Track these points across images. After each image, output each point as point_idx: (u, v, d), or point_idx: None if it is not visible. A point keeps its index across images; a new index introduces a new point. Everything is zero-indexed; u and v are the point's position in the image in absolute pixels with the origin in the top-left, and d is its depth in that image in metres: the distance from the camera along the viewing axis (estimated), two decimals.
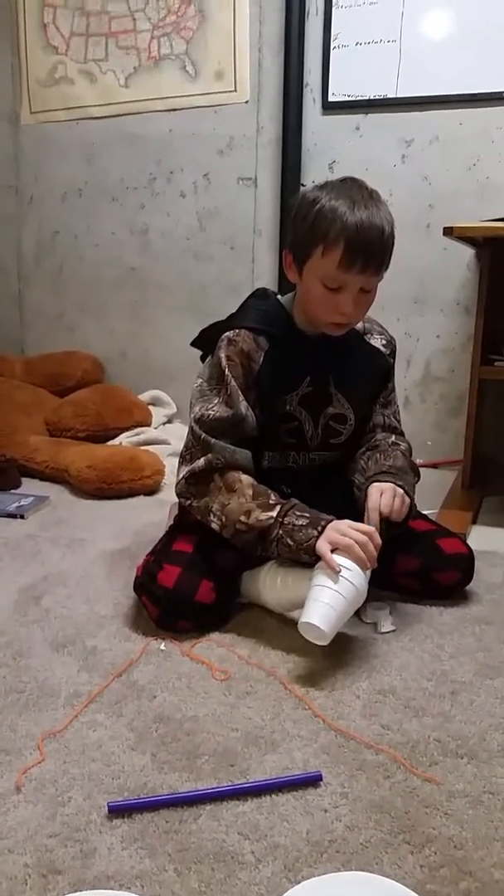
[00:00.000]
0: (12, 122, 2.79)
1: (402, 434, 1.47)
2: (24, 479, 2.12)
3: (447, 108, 2.16)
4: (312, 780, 0.90)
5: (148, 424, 2.46)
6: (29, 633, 1.25)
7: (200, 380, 1.36)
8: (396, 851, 0.80)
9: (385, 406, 1.46)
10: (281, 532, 1.21)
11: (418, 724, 1.02)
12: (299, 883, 0.74)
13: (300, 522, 1.21)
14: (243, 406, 1.29)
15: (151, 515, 1.83)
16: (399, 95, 2.20)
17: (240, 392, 1.29)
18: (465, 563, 1.38)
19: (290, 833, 0.82)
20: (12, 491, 2.03)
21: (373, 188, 1.27)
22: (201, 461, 1.29)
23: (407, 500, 1.29)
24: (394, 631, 1.27)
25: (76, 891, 0.74)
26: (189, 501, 1.31)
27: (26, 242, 2.87)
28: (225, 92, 2.44)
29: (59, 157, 2.74)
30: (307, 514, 1.22)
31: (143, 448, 2.24)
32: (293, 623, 1.29)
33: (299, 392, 1.35)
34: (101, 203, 2.71)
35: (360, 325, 1.43)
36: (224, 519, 1.25)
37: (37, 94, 2.73)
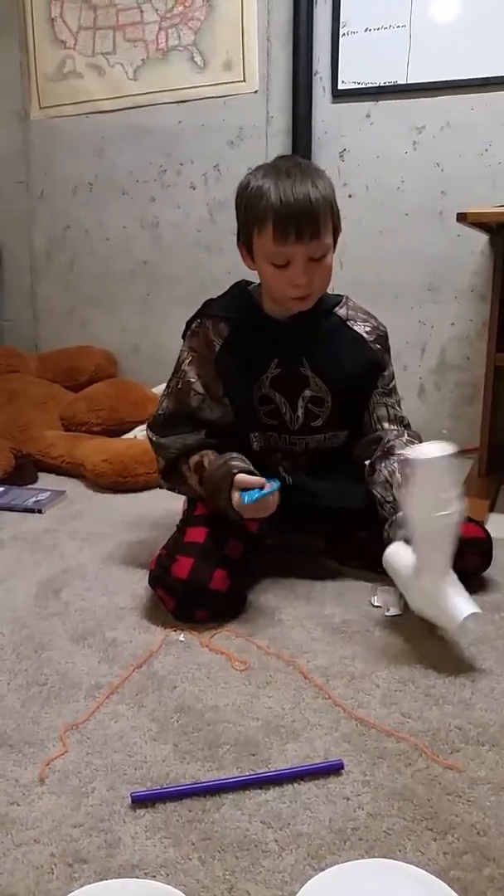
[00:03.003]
0: (22, 117, 2.79)
1: (409, 426, 1.46)
2: (40, 474, 2.13)
3: (458, 94, 2.14)
4: (334, 769, 0.90)
5: None
6: (49, 626, 1.26)
7: None
8: (419, 838, 0.80)
9: (387, 395, 1.45)
10: (207, 502, 1.35)
11: (439, 711, 1.02)
12: (323, 870, 0.74)
13: (221, 482, 1.29)
14: (195, 399, 1.38)
15: (167, 507, 1.84)
16: (409, 81, 2.18)
17: (195, 384, 1.37)
18: (484, 547, 1.38)
19: (312, 821, 0.83)
20: (29, 486, 2.04)
21: (308, 161, 1.30)
22: (161, 461, 1.43)
23: None
24: (400, 615, 1.27)
25: (101, 880, 0.74)
26: (176, 491, 1.46)
27: (38, 238, 2.87)
28: (234, 82, 2.43)
29: (69, 151, 2.74)
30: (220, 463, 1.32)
31: None
32: (311, 613, 1.30)
33: (269, 375, 1.38)
34: (112, 197, 2.71)
35: (342, 312, 1.43)
36: (199, 495, 1.38)
37: (45, 90, 2.73)
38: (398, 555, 1.23)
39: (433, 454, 1.10)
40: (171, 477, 1.44)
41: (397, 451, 1.35)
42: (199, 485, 1.35)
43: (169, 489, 1.47)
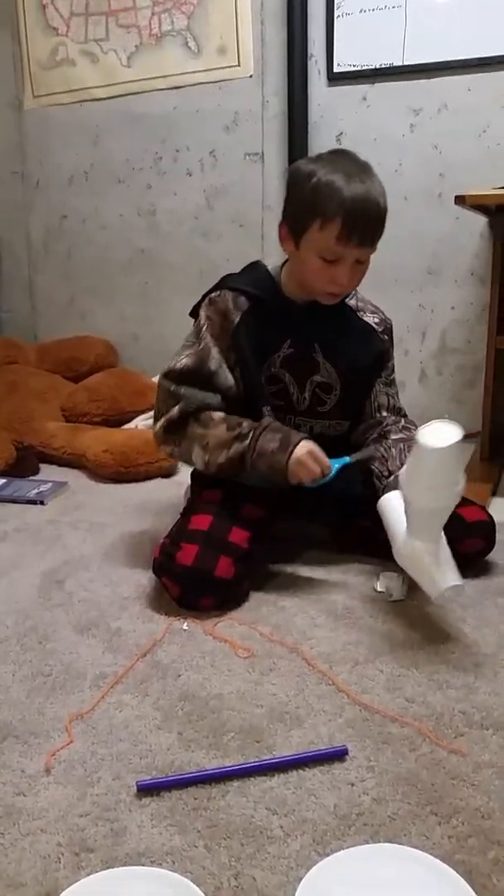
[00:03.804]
0: (15, 107, 2.77)
1: (406, 415, 1.50)
2: (42, 466, 2.13)
3: (455, 75, 2.12)
4: (338, 755, 0.90)
5: None
6: (53, 617, 1.26)
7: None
8: (424, 823, 0.80)
9: (388, 385, 1.49)
10: (253, 456, 1.27)
11: (442, 696, 1.02)
12: (328, 856, 0.74)
13: (271, 447, 1.27)
14: (214, 363, 1.35)
15: (169, 497, 1.84)
16: (406, 63, 2.16)
17: (213, 349, 1.35)
18: (487, 530, 1.38)
19: (317, 807, 0.83)
20: (31, 477, 2.04)
21: (365, 160, 1.29)
22: (175, 410, 1.34)
23: None
24: (403, 600, 1.28)
25: (108, 868, 0.75)
26: (170, 448, 1.38)
27: (34, 228, 2.86)
28: (228, 67, 2.41)
29: (64, 140, 2.72)
30: (280, 435, 1.28)
31: None
32: (314, 599, 1.30)
33: (280, 354, 1.38)
34: (108, 185, 2.69)
35: (352, 302, 1.46)
36: (207, 457, 1.32)
37: (39, 78, 2.71)
38: (392, 508, 1.25)
39: (446, 442, 1.08)
40: (175, 431, 1.35)
41: (393, 436, 1.41)
42: (236, 439, 1.29)
43: (163, 443, 1.38)
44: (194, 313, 1.42)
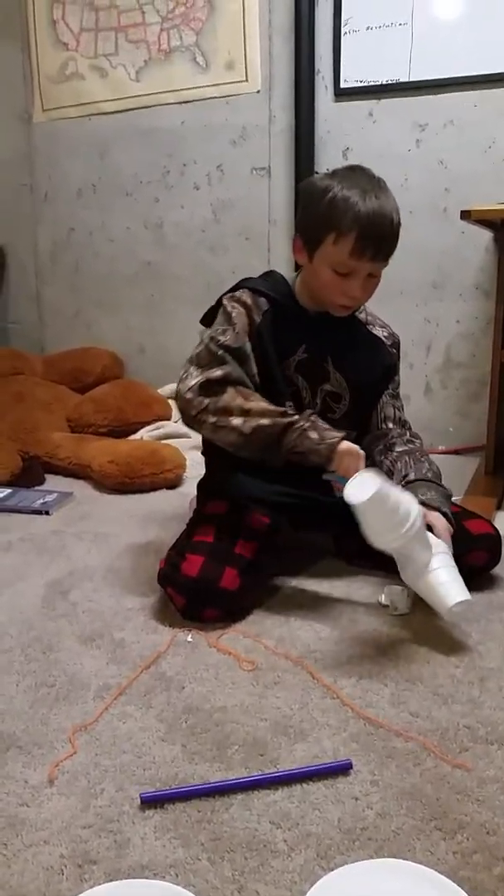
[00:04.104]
0: (24, 120, 2.80)
1: (410, 428, 1.52)
2: (47, 476, 2.14)
3: (461, 90, 2.14)
4: (342, 769, 0.90)
5: (168, 418, 2.47)
6: (57, 628, 1.26)
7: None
8: (428, 838, 0.80)
9: (394, 398, 1.52)
10: (306, 424, 1.24)
11: (447, 711, 1.02)
12: (332, 871, 0.74)
13: (324, 427, 1.26)
14: (248, 347, 1.35)
15: (173, 508, 1.84)
16: (412, 79, 2.17)
17: (245, 336, 1.35)
18: (493, 542, 1.38)
19: (321, 821, 0.82)
20: (37, 488, 2.04)
21: (379, 176, 1.32)
22: (218, 371, 1.30)
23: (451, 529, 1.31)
24: (408, 613, 1.27)
25: (111, 880, 0.75)
26: (204, 402, 1.29)
27: (42, 240, 2.88)
28: (236, 82, 2.43)
29: (73, 153, 2.74)
30: (328, 426, 1.28)
31: (163, 442, 2.24)
32: (318, 613, 1.30)
33: (296, 358, 1.40)
34: (116, 198, 2.71)
35: (362, 316, 1.49)
36: (243, 422, 1.27)
37: (48, 92, 2.73)
38: None
39: (363, 496, 1.11)
40: (211, 391, 1.30)
41: (398, 449, 1.44)
42: (282, 415, 1.27)
43: (197, 395, 1.29)
44: (207, 319, 1.44)
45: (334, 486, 1.31)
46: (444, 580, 1.19)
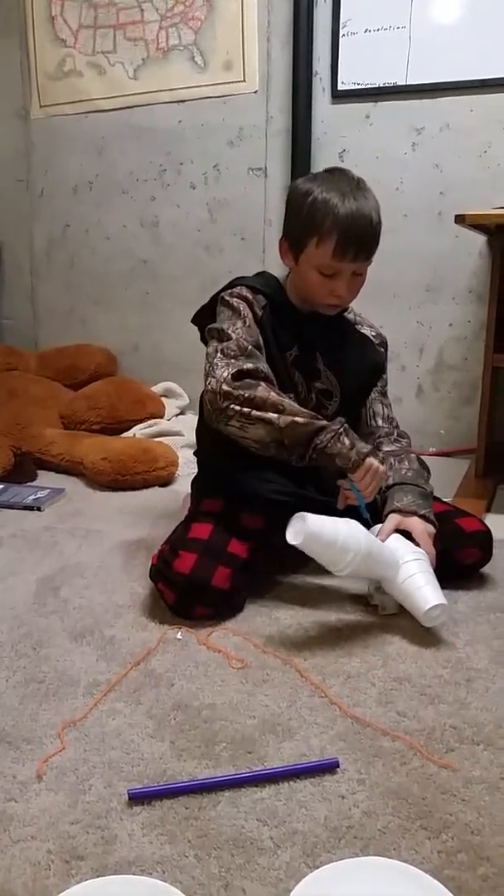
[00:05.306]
0: (22, 116, 2.79)
1: (398, 426, 1.54)
2: (40, 472, 2.14)
3: (458, 95, 2.15)
4: (329, 767, 0.91)
5: (161, 416, 2.47)
6: (48, 624, 1.26)
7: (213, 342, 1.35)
8: (414, 837, 0.81)
9: (383, 395, 1.54)
10: (341, 429, 1.26)
11: (434, 711, 1.03)
12: (318, 868, 0.75)
13: (355, 438, 1.28)
14: (261, 339, 1.36)
15: (165, 505, 1.85)
16: (409, 83, 2.18)
17: (255, 329, 1.35)
18: (485, 540, 1.40)
19: (308, 819, 0.83)
20: (29, 484, 2.04)
21: (359, 177, 1.34)
22: (248, 364, 1.28)
23: (433, 529, 1.33)
24: (396, 614, 1.28)
25: (98, 876, 0.75)
26: (239, 393, 1.25)
27: (38, 237, 2.87)
28: (234, 82, 2.43)
29: (69, 150, 2.74)
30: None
31: (156, 440, 2.25)
32: (308, 612, 1.30)
33: (292, 353, 1.42)
34: (112, 196, 2.71)
35: (350, 316, 1.51)
36: (280, 413, 1.25)
37: (45, 88, 2.73)
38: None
39: (296, 539, 1.18)
40: (245, 381, 1.27)
41: (385, 448, 1.47)
42: (314, 418, 1.27)
43: (232, 387, 1.26)
44: (199, 318, 1.45)
45: (343, 492, 1.33)
46: (416, 587, 1.22)
